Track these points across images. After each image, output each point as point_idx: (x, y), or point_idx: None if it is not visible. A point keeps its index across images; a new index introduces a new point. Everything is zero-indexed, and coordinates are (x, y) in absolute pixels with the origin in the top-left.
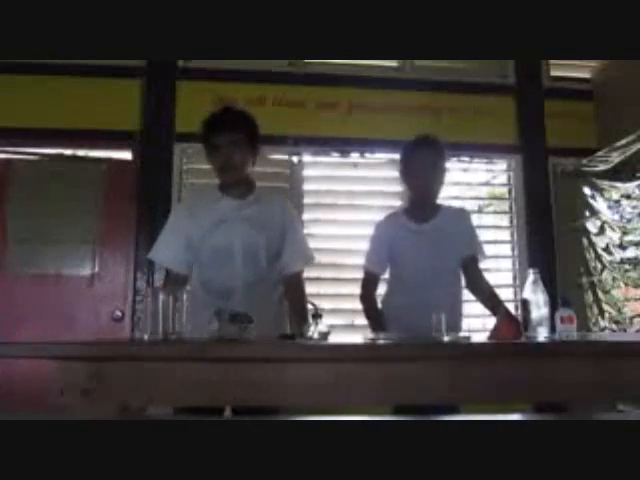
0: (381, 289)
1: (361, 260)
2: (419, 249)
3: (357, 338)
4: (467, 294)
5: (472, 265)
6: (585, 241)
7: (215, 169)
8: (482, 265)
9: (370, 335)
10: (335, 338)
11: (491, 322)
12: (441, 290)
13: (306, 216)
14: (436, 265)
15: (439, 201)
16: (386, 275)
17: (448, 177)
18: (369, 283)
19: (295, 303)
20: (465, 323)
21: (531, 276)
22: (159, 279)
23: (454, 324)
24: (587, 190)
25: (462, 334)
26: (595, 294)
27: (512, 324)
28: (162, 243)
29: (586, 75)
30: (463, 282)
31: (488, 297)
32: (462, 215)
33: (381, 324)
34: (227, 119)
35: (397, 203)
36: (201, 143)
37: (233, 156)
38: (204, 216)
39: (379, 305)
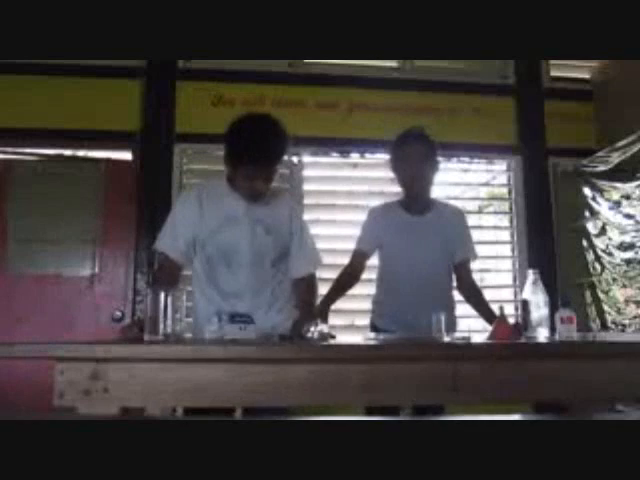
0: (371, 289)
1: None
2: (411, 242)
3: (357, 338)
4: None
5: (464, 267)
6: (585, 241)
7: (241, 186)
8: (473, 265)
9: (370, 335)
10: (334, 338)
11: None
12: (434, 290)
13: (306, 216)
14: (428, 261)
15: (433, 196)
16: (374, 275)
17: (446, 176)
18: (355, 257)
19: (303, 304)
20: (465, 324)
21: (531, 276)
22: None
23: (450, 324)
24: (587, 191)
25: (462, 334)
26: (595, 294)
27: (508, 329)
28: (167, 232)
29: (586, 75)
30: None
31: (478, 302)
32: (458, 215)
33: (326, 308)
34: (269, 148)
35: None
36: (226, 148)
37: (264, 186)
38: (213, 212)
39: (371, 305)
